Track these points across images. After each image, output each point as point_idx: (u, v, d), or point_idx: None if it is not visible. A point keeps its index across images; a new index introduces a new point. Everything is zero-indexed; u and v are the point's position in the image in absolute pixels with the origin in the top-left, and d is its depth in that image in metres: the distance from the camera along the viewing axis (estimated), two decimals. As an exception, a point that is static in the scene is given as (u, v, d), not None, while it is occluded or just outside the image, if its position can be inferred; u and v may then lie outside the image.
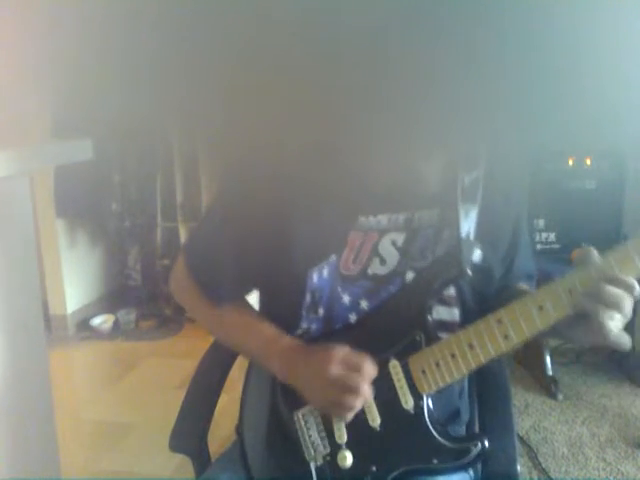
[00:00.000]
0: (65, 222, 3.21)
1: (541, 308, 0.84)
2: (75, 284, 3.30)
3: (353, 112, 0.61)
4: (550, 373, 2.48)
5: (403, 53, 0.52)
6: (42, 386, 1.46)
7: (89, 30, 0.55)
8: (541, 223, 2.50)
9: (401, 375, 0.91)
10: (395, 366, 0.91)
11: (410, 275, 0.94)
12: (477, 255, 0.93)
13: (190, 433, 1.10)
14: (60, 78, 0.60)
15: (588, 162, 2.47)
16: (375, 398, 0.91)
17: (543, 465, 2.01)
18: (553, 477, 1.96)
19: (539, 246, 2.50)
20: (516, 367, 2.63)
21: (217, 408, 1.14)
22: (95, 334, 3.25)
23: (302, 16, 0.50)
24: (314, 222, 0.92)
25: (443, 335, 0.92)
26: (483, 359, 0.87)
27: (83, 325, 3.31)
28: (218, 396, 1.15)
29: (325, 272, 0.94)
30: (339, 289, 0.95)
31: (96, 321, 3.29)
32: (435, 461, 0.90)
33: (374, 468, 0.91)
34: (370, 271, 0.94)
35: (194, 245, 1.09)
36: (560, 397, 2.41)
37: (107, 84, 0.59)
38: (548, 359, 2.49)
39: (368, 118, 0.63)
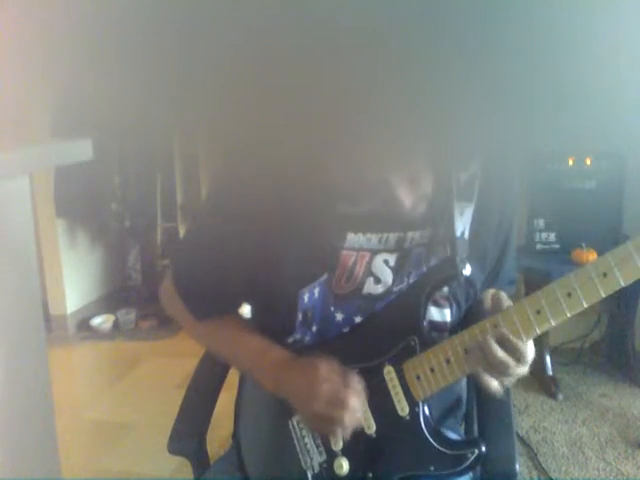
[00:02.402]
0: (65, 222, 3.21)
1: (539, 312, 0.82)
2: (75, 284, 3.30)
3: (344, 127, 0.61)
4: (550, 373, 2.48)
5: (398, 57, 0.52)
6: (42, 386, 1.46)
7: (89, 30, 0.55)
8: (541, 223, 2.50)
9: (396, 381, 0.90)
10: (390, 372, 0.90)
11: (404, 287, 0.93)
12: (467, 268, 0.91)
13: (189, 435, 1.10)
14: (60, 78, 0.60)
15: (588, 162, 2.47)
16: (370, 404, 0.90)
17: (543, 465, 2.01)
18: (553, 477, 1.96)
19: (539, 246, 2.50)
20: (516, 367, 2.63)
21: (216, 408, 1.14)
22: (95, 334, 3.25)
23: (298, 16, 0.50)
24: (303, 242, 0.90)
25: (435, 336, 0.92)
26: (479, 364, 0.86)
27: (83, 325, 3.31)
28: (216, 398, 1.15)
29: (316, 292, 0.92)
30: (332, 308, 0.93)
31: (96, 321, 3.29)
32: (432, 468, 0.89)
33: (370, 475, 0.90)
34: (365, 291, 0.93)
35: (180, 261, 1.07)
36: (560, 397, 2.41)
37: (107, 84, 0.59)
38: (548, 359, 2.49)
39: (359, 135, 0.62)
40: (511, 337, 0.82)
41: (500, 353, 0.82)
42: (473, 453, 0.89)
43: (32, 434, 1.43)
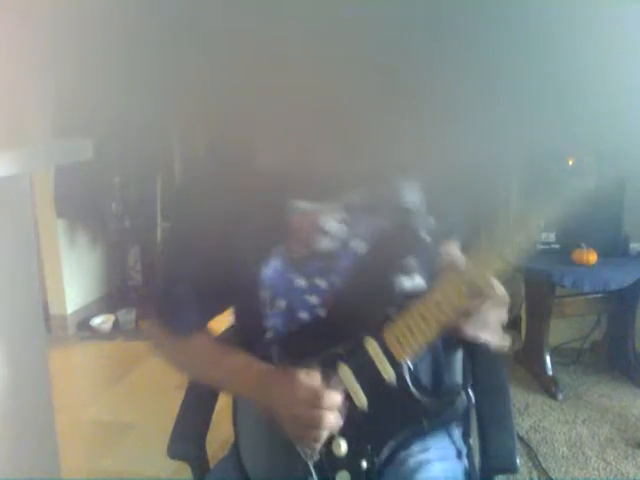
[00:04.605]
0: (65, 222, 3.21)
1: (500, 253, 0.86)
2: (75, 284, 3.30)
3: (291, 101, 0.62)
4: (550, 373, 2.48)
5: (393, 61, 0.53)
6: (42, 386, 1.46)
7: (89, 31, 0.55)
8: (541, 223, 2.49)
9: (378, 350, 0.91)
10: (371, 343, 0.92)
11: (362, 247, 0.95)
12: (429, 223, 0.95)
13: (188, 439, 1.09)
14: (60, 78, 0.60)
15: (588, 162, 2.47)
16: (357, 379, 0.91)
17: (543, 465, 2.01)
18: (553, 477, 1.96)
19: (539, 246, 2.50)
20: (516, 367, 2.63)
21: (216, 410, 1.14)
22: (95, 334, 3.25)
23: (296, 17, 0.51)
24: (253, 216, 0.93)
25: (411, 303, 0.93)
26: (452, 314, 0.88)
27: (83, 325, 3.31)
28: (215, 401, 1.14)
29: (275, 263, 0.94)
30: (292, 275, 0.95)
31: (96, 321, 3.29)
32: (425, 422, 0.91)
33: (369, 447, 0.91)
34: (319, 249, 0.95)
35: (158, 278, 1.09)
36: (560, 397, 2.41)
37: (107, 84, 0.59)
38: (548, 359, 2.49)
39: (306, 107, 0.63)
40: (474, 279, 0.86)
41: (467, 299, 0.86)
42: (459, 394, 0.91)
43: (32, 434, 1.43)
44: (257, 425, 1.02)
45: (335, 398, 0.88)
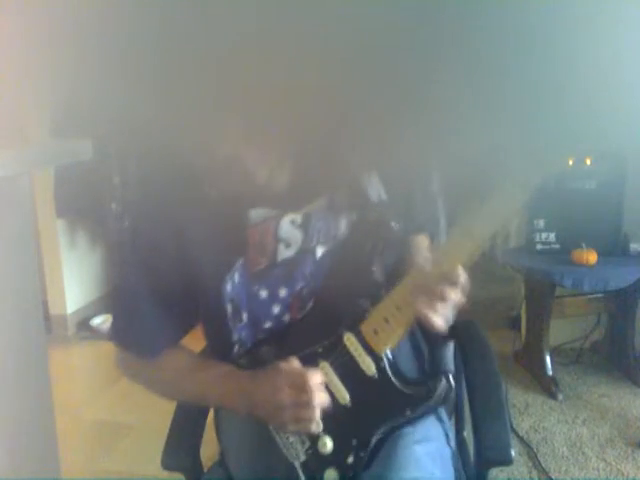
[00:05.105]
0: (65, 222, 3.21)
1: (472, 235, 0.86)
2: (75, 284, 3.30)
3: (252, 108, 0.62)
4: (550, 373, 2.48)
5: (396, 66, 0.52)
6: (42, 386, 1.46)
7: (88, 31, 0.55)
8: (541, 223, 2.49)
9: (357, 344, 0.92)
10: (349, 338, 0.92)
11: (320, 250, 0.95)
12: (398, 217, 0.95)
13: (182, 450, 1.09)
14: (59, 78, 0.60)
15: (588, 162, 2.47)
16: (339, 376, 0.92)
17: (543, 465, 2.01)
18: (553, 477, 1.96)
19: (539, 246, 2.50)
20: (516, 367, 2.63)
21: (210, 415, 1.13)
22: (95, 334, 3.25)
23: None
24: (208, 238, 0.92)
25: (384, 293, 0.93)
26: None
27: (83, 325, 3.31)
28: (208, 409, 1.13)
29: (236, 277, 0.94)
30: (255, 288, 0.95)
31: (96, 321, 3.29)
32: (408, 412, 0.91)
33: (355, 442, 0.91)
34: (279, 258, 0.95)
35: (119, 303, 1.07)
36: (560, 397, 2.41)
37: (106, 84, 0.59)
38: (548, 359, 2.49)
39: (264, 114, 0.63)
40: (446, 267, 0.86)
41: (440, 285, 0.85)
42: (441, 381, 0.91)
43: (32, 434, 1.43)
44: (241, 431, 1.02)
45: (317, 376, 0.88)
